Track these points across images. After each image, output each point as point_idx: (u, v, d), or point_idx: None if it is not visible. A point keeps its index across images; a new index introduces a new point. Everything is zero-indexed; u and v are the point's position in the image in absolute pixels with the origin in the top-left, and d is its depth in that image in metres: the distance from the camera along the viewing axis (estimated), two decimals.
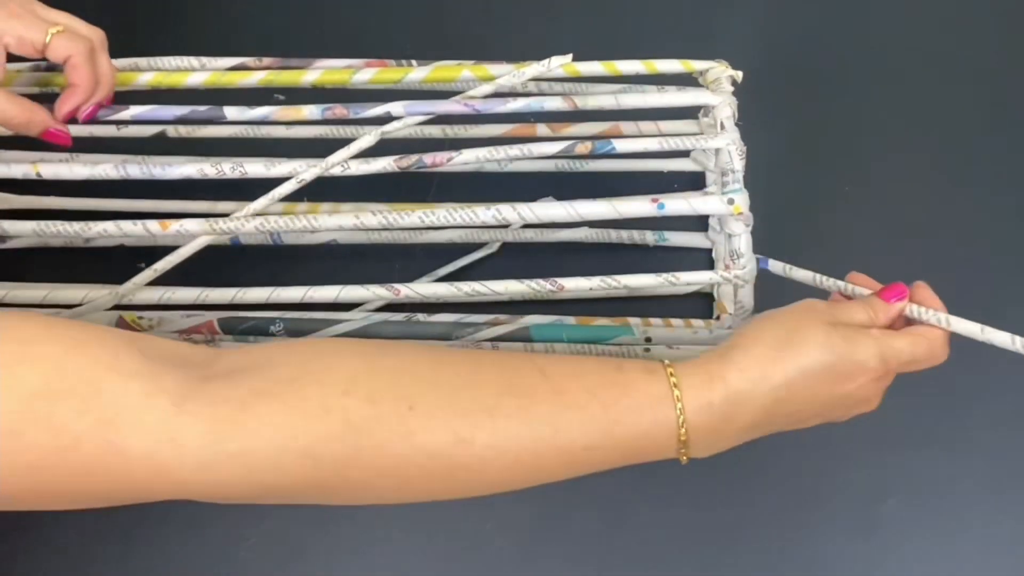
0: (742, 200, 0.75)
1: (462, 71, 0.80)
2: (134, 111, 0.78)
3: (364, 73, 0.80)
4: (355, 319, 0.81)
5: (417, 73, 0.80)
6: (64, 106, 0.74)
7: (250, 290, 0.80)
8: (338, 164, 0.75)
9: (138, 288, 0.79)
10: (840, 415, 0.67)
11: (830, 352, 0.63)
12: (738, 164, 0.75)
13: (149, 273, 0.78)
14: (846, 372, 0.64)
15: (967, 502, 0.85)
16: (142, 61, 0.83)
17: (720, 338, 0.80)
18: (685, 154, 0.93)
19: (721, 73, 0.79)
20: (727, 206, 0.75)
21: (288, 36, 1.06)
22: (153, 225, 0.76)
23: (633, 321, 0.84)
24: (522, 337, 0.80)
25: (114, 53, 0.79)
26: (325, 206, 0.87)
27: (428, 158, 0.76)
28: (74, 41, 0.72)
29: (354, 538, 0.86)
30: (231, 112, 0.79)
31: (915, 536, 0.84)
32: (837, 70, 1.05)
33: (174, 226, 0.76)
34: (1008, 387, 0.89)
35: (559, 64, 0.77)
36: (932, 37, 1.06)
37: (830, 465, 0.87)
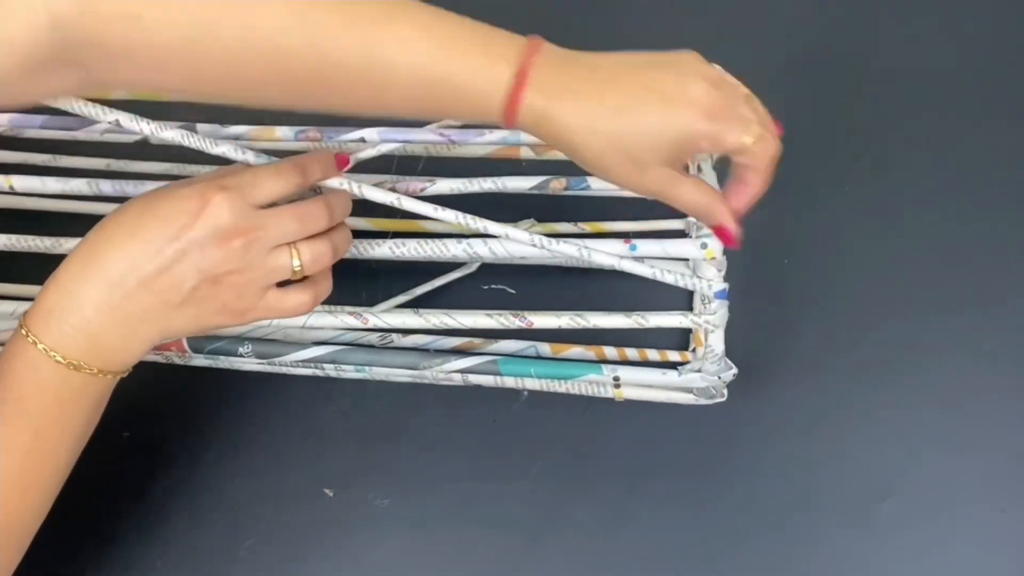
0: (716, 245, 0.72)
1: None
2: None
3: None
4: (322, 347, 0.80)
5: None
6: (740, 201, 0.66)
7: None
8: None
9: None
10: (217, 263, 0.64)
11: (153, 200, 0.64)
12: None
13: None
14: (178, 208, 0.63)
15: (967, 502, 0.84)
16: None
17: (691, 382, 0.79)
18: None
19: None
20: (700, 251, 0.72)
21: None
22: None
23: (608, 352, 0.83)
24: (490, 371, 0.79)
25: None
26: None
27: (401, 186, 0.74)
28: (762, 153, 0.64)
29: (354, 538, 0.87)
30: (204, 128, 0.77)
31: (915, 535, 0.84)
32: (836, 79, 1.01)
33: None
34: (1008, 386, 0.88)
35: None
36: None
37: (830, 465, 0.86)
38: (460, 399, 0.86)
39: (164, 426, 0.89)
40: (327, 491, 0.87)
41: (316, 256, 0.66)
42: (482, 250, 0.72)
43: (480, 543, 0.86)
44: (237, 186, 0.63)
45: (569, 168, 0.69)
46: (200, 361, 0.83)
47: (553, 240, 0.72)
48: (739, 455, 0.87)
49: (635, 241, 0.72)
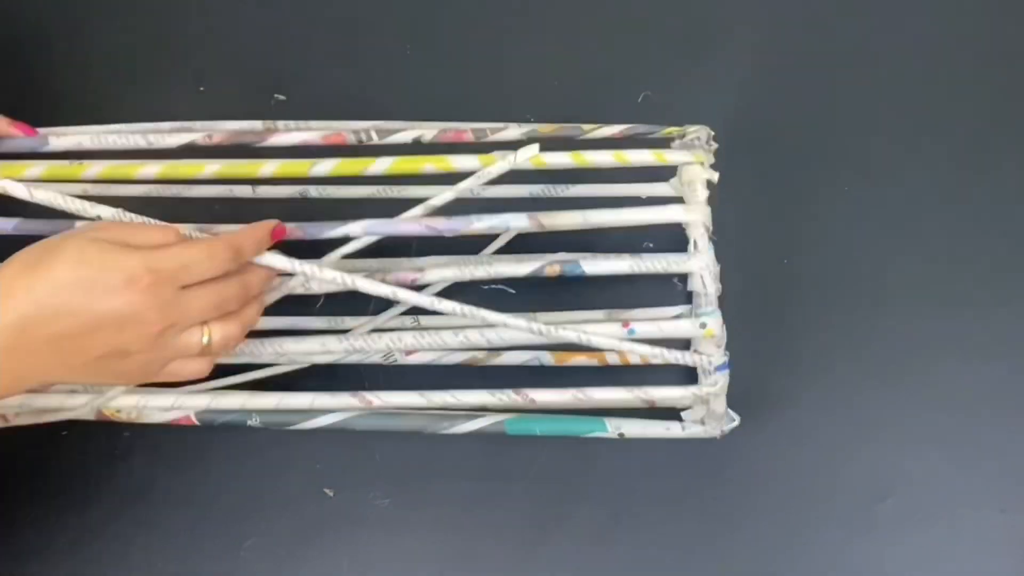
0: (714, 323, 0.72)
1: (423, 164, 0.76)
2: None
3: (323, 165, 0.76)
4: (331, 416, 0.80)
5: (378, 166, 0.76)
6: None
7: (224, 395, 0.79)
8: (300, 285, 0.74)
9: (115, 396, 0.78)
10: (130, 343, 0.62)
11: (84, 264, 0.59)
12: (711, 288, 0.72)
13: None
14: (106, 282, 0.60)
15: (967, 502, 0.84)
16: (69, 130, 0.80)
17: (694, 436, 0.80)
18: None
19: (697, 175, 0.73)
20: (699, 330, 0.73)
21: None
22: None
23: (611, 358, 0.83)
24: (496, 431, 0.79)
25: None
26: None
27: (392, 277, 0.74)
28: None
29: (354, 538, 0.87)
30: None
31: (914, 535, 0.83)
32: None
33: None
34: (1008, 386, 0.88)
35: (526, 158, 0.72)
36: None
37: (830, 465, 0.87)
38: None
39: (163, 426, 0.88)
40: (327, 491, 0.87)
41: (226, 337, 0.66)
42: (478, 339, 0.73)
43: (480, 543, 0.86)
44: (167, 270, 0.62)
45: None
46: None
47: (553, 327, 0.72)
48: (739, 455, 0.87)
49: (633, 325, 0.73)
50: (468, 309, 0.71)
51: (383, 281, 0.72)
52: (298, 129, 0.79)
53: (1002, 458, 0.86)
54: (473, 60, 1.01)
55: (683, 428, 0.80)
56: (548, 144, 0.76)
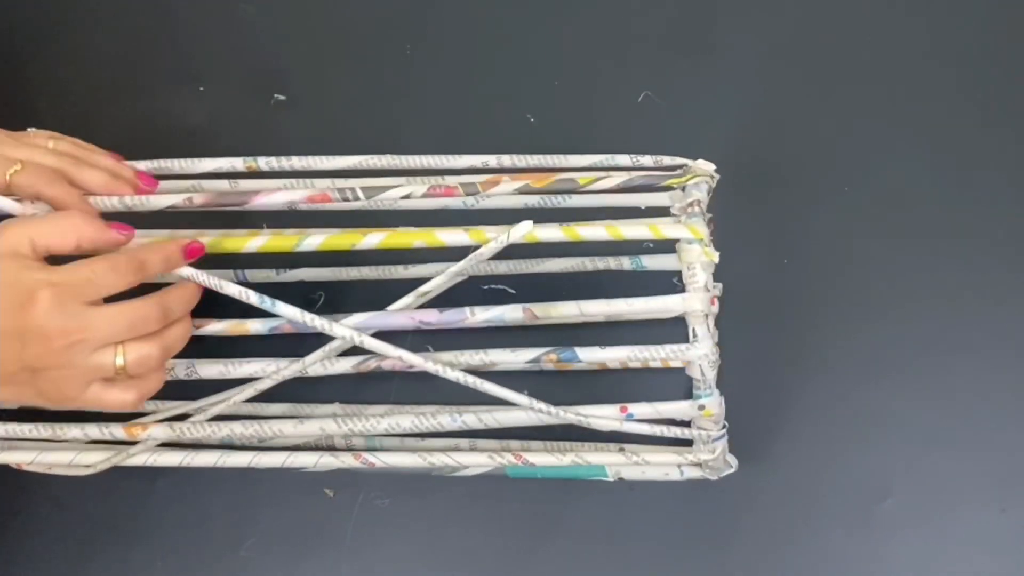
0: (713, 404, 0.73)
1: (414, 240, 0.73)
2: None
3: (313, 239, 0.74)
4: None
5: (370, 239, 0.73)
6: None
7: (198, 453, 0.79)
8: (295, 372, 0.74)
9: (135, 454, 0.78)
10: (36, 359, 0.62)
11: None
12: (710, 375, 0.72)
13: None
14: (8, 299, 0.60)
15: (967, 502, 0.84)
16: None
17: (693, 476, 0.78)
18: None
19: (696, 257, 0.71)
20: (698, 411, 0.73)
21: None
22: (118, 430, 0.75)
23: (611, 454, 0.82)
24: (497, 473, 0.79)
25: None
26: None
27: (387, 364, 0.74)
28: (36, 175, 0.69)
29: (353, 538, 0.87)
30: None
31: (914, 535, 0.84)
32: (832, 77, 0.98)
33: (142, 434, 0.74)
34: (1008, 386, 0.87)
35: (519, 236, 0.71)
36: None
37: (830, 465, 0.87)
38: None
39: None
40: (327, 491, 0.87)
41: (141, 359, 0.65)
42: (473, 422, 0.73)
43: (480, 543, 0.87)
44: (69, 284, 0.61)
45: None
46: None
47: (553, 408, 0.72)
48: (739, 456, 0.86)
49: (631, 409, 0.73)
50: (475, 382, 0.71)
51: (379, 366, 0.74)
52: (282, 188, 0.76)
53: (1002, 458, 0.86)
54: (473, 60, 1.00)
55: (681, 473, 0.79)
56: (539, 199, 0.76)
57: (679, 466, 0.79)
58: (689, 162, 0.76)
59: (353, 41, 1.01)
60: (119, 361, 0.64)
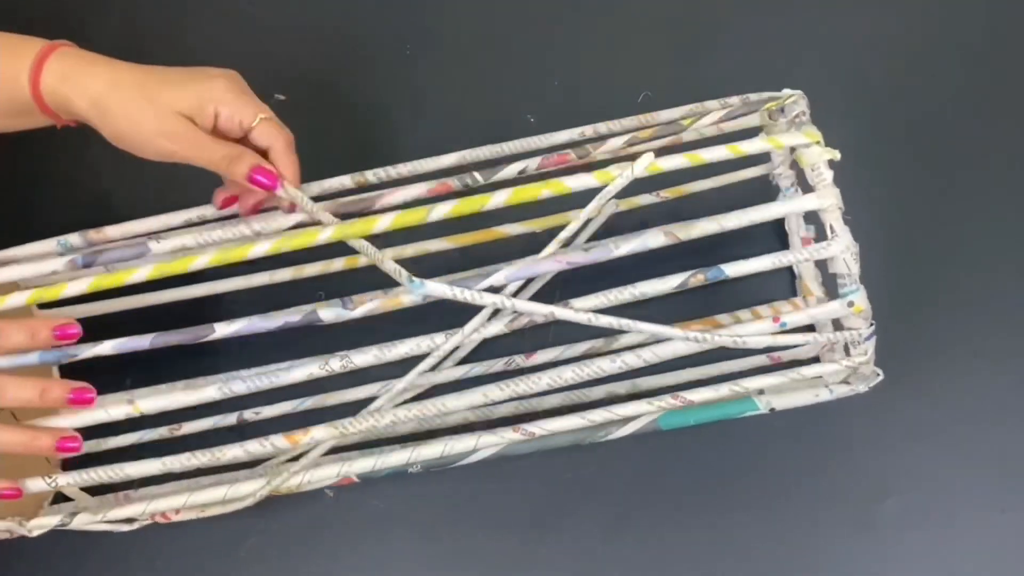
0: (861, 299, 0.72)
1: (541, 191, 0.72)
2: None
3: (440, 208, 0.73)
4: (491, 448, 0.79)
5: (496, 199, 0.72)
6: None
7: (391, 452, 0.79)
8: (456, 343, 0.73)
9: (287, 479, 0.78)
10: None
11: None
12: (854, 268, 0.72)
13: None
14: None
15: (967, 502, 0.85)
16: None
17: (841, 395, 0.78)
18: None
19: (819, 157, 0.72)
20: (847, 308, 0.73)
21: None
22: (280, 441, 0.74)
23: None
24: (651, 430, 0.78)
25: None
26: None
27: (538, 318, 0.73)
28: (280, 130, 0.72)
29: (353, 538, 0.88)
30: (326, 315, 0.73)
31: (914, 535, 0.84)
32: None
33: (304, 439, 0.74)
34: (1008, 386, 0.88)
35: (643, 168, 0.71)
36: None
37: (830, 465, 0.87)
38: None
39: None
40: (327, 491, 0.87)
41: None
42: (634, 360, 0.73)
43: (480, 543, 0.87)
44: None
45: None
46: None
47: (708, 335, 0.72)
48: (739, 456, 0.86)
49: (784, 318, 0.72)
50: (626, 323, 0.71)
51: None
52: (403, 185, 0.76)
53: (1002, 458, 0.85)
54: (473, 60, 1.00)
55: (831, 392, 0.79)
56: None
57: (828, 386, 0.78)
58: (775, 93, 0.77)
59: (353, 41, 1.01)
60: None
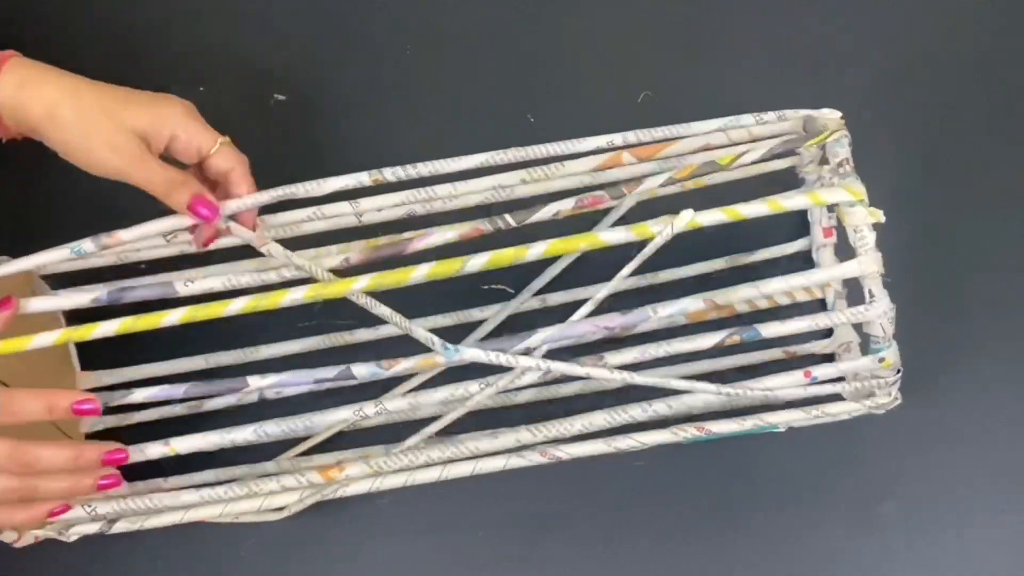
0: (892, 355, 0.73)
1: (579, 244, 0.72)
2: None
3: (477, 260, 0.72)
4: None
5: (535, 251, 0.72)
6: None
7: (455, 466, 0.78)
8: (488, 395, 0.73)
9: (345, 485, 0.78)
10: None
11: None
12: (889, 330, 0.72)
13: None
14: None
15: (967, 502, 0.85)
16: None
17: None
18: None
19: (862, 220, 0.70)
20: (878, 364, 0.73)
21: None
22: (315, 476, 0.75)
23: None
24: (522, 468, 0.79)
25: None
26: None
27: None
28: (240, 154, 0.73)
29: (353, 539, 0.88)
30: (360, 372, 0.73)
31: (914, 536, 0.85)
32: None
33: (339, 476, 0.75)
34: (1008, 387, 0.88)
35: (684, 225, 0.70)
36: None
37: (830, 465, 0.88)
38: None
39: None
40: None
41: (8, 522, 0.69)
42: (664, 410, 0.74)
43: (480, 542, 0.87)
44: None
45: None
46: None
47: (737, 390, 0.72)
48: (739, 455, 0.86)
49: (815, 372, 0.73)
50: (662, 382, 0.72)
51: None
52: (436, 230, 0.76)
53: (1002, 458, 0.86)
54: (473, 60, 0.99)
55: (849, 415, 0.77)
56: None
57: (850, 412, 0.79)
58: (813, 113, 0.76)
59: (353, 41, 1.00)
60: None
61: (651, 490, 0.87)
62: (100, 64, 0.96)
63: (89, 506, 0.74)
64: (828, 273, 0.76)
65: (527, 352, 0.71)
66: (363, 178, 0.76)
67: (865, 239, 0.70)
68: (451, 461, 0.75)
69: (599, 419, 0.73)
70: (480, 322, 0.89)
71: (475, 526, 0.87)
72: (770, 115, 0.76)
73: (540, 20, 1.01)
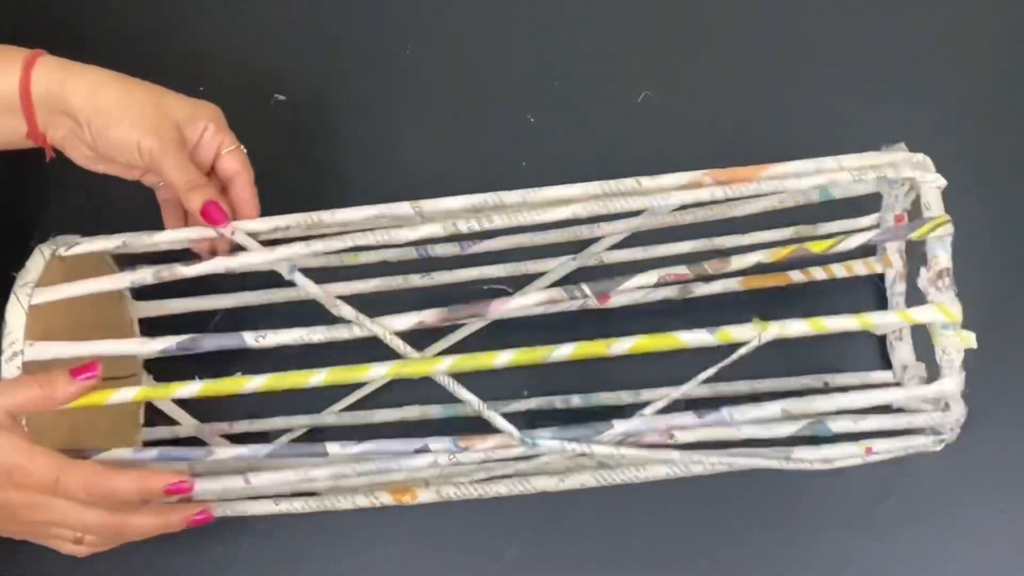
0: (952, 438, 0.74)
1: (671, 341, 0.71)
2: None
3: (563, 350, 0.71)
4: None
5: (621, 346, 0.72)
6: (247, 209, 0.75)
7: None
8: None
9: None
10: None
11: None
12: (958, 431, 0.74)
13: None
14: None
15: (967, 502, 0.84)
16: None
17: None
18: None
19: (953, 345, 0.69)
20: (937, 445, 0.75)
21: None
22: (387, 498, 0.77)
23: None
24: None
25: None
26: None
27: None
28: (248, 163, 0.76)
29: (353, 539, 0.87)
30: (436, 446, 0.73)
31: (915, 535, 0.84)
32: None
33: (411, 501, 0.77)
34: (1008, 387, 0.87)
35: (769, 338, 0.70)
36: None
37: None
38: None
39: None
40: None
41: (95, 542, 0.72)
42: (723, 467, 0.75)
43: (481, 542, 0.87)
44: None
45: None
46: None
47: (799, 465, 0.73)
48: None
49: (876, 447, 0.73)
50: (732, 462, 0.74)
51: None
52: (516, 296, 0.73)
53: (1002, 458, 0.85)
54: (472, 60, 0.98)
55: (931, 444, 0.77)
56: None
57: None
58: (896, 156, 0.72)
59: (353, 41, 0.99)
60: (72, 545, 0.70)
61: (650, 490, 0.85)
62: (100, 64, 0.97)
63: None
64: (908, 392, 0.75)
65: (603, 439, 0.71)
66: (436, 229, 0.73)
67: (952, 362, 0.69)
68: (518, 495, 0.77)
69: (660, 471, 0.75)
70: None
71: (476, 524, 0.87)
72: (850, 160, 0.73)
73: (540, 20, 1.00)
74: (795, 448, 0.72)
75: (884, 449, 0.73)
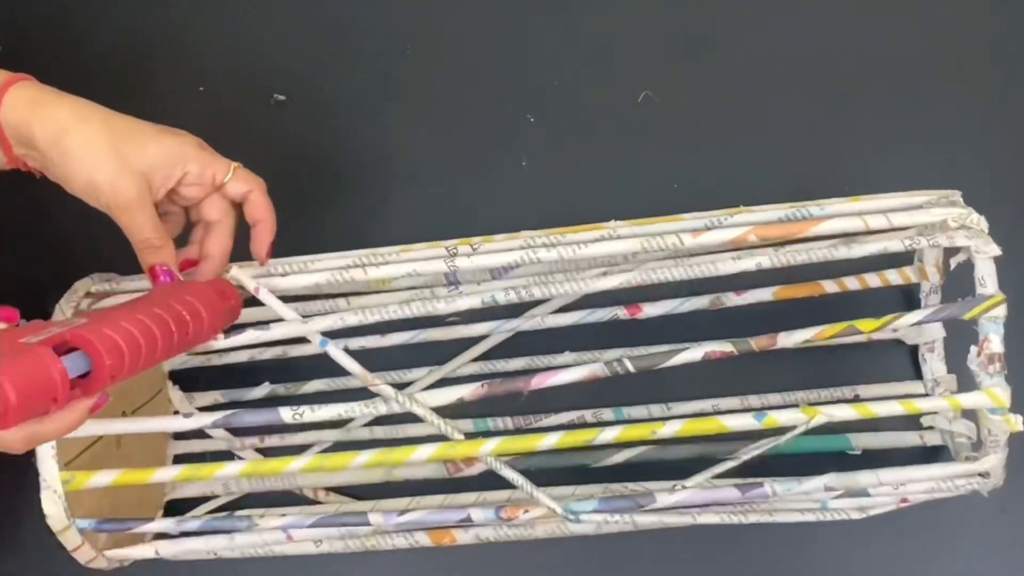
0: (988, 485, 0.74)
1: (715, 425, 0.71)
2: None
3: (608, 433, 0.71)
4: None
5: (668, 429, 0.71)
6: (264, 241, 0.72)
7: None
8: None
9: None
10: None
11: None
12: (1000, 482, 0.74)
13: None
14: None
15: (967, 502, 0.81)
16: None
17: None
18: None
19: (1000, 428, 0.69)
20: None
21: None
22: (423, 538, 0.77)
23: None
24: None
25: None
26: None
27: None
28: (256, 176, 0.72)
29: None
30: (478, 517, 0.75)
31: (915, 536, 0.85)
32: None
33: (451, 544, 0.78)
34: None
35: (813, 424, 0.70)
36: None
37: (830, 465, 0.87)
38: None
39: None
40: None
41: None
42: (767, 519, 0.76)
43: (483, 548, 0.85)
44: None
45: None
46: None
47: (833, 511, 0.76)
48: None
49: (912, 499, 0.75)
50: (769, 519, 0.76)
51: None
52: (559, 371, 0.72)
53: None
54: (472, 61, 0.97)
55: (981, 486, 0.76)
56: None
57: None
58: (949, 214, 0.70)
59: (353, 41, 0.97)
60: None
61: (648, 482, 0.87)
62: (101, 65, 0.94)
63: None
64: (947, 470, 0.74)
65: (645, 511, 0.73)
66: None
67: (997, 441, 0.69)
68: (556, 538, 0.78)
69: (710, 519, 0.76)
70: None
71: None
72: (895, 200, 0.72)
73: (540, 21, 0.98)
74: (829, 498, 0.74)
75: (918, 498, 0.75)
